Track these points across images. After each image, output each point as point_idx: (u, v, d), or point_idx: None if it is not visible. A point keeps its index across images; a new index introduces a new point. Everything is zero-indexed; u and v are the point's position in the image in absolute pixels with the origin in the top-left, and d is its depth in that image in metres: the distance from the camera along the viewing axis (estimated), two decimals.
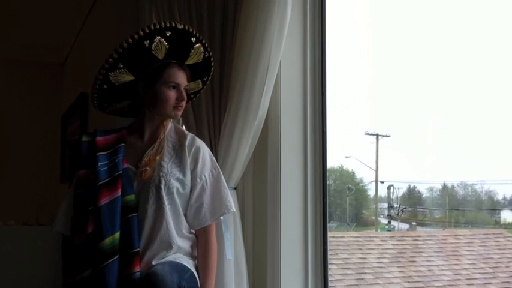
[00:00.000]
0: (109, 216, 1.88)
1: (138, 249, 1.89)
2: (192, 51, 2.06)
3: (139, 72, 2.04)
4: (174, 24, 1.99)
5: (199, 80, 2.21)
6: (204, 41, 2.09)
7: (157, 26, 1.96)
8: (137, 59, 2.00)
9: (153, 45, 1.97)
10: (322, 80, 2.51)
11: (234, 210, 2.13)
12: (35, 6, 4.72)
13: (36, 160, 5.75)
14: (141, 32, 1.94)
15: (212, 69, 2.21)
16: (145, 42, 1.96)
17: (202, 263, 2.03)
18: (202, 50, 2.10)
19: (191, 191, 2.03)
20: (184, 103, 2.05)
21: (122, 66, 2.00)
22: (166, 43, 1.98)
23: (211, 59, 2.17)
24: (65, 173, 5.43)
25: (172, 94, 2.02)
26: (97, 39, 4.46)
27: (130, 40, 1.94)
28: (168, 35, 1.98)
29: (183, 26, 2.02)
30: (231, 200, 2.08)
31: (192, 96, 2.28)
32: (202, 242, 2.05)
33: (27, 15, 4.95)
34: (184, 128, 2.36)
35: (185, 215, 2.03)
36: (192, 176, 2.03)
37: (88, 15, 4.85)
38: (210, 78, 2.25)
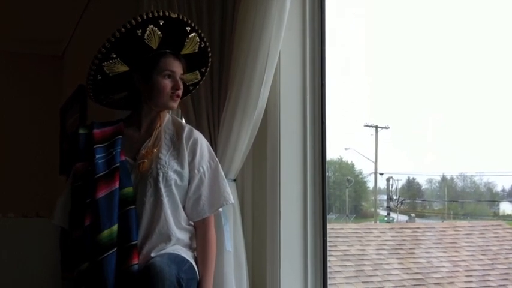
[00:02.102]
0: (107, 209, 1.88)
1: (136, 242, 1.89)
2: (187, 40, 2.05)
3: (134, 62, 2.03)
4: (167, 13, 1.97)
5: (197, 71, 2.20)
6: (200, 31, 2.08)
7: (150, 15, 1.94)
8: (130, 49, 1.99)
9: (145, 34, 1.96)
10: (322, 72, 2.50)
11: (233, 201, 2.13)
12: None
13: (36, 152, 5.75)
14: (133, 21, 1.93)
15: (210, 59, 2.19)
16: (138, 31, 1.95)
17: (201, 255, 2.03)
18: (198, 40, 2.08)
19: (189, 183, 2.03)
20: (180, 92, 2.03)
21: (115, 56, 1.99)
22: (159, 32, 1.97)
23: (208, 49, 2.15)
24: (64, 165, 5.42)
25: (167, 83, 2.01)
26: (96, 32, 4.45)
27: (123, 29, 1.93)
28: (161, 24, 1.96)
29: (177, 16, 2.00)
30: (230, 192, 2.08)
31: (191, 88, 2.26)
32: (201, 234, 2.05)
33: (25, 8, 4.93)
34: (183, 120, 2.35)
35: (184, 207, 2.03)
36: (190, 168, 2.02)
37: (86, 7, 4.83)
38: (208, 69, 2.23)
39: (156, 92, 2.01)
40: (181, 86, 2.04)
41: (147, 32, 1.95)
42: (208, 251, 2.03)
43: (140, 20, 1.93)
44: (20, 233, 4.11)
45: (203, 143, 2.08)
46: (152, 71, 2.01)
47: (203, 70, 2.21)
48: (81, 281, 1.87)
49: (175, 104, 2.04)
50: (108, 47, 1.95)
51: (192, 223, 2.06)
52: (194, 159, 2.03)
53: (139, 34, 1.95)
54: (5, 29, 5.36)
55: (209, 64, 2.21)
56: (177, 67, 2.03)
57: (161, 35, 1.98)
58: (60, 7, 4.84)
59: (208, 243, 2.04)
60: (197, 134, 2.08)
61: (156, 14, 1.95)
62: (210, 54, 2.17)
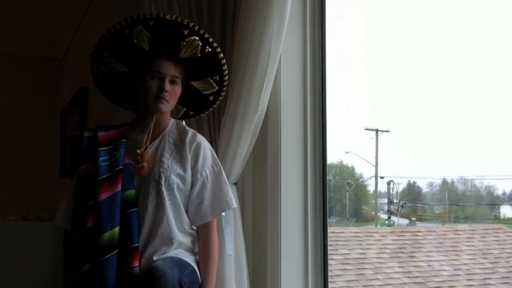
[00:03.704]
0: (109, 211, 1.88)
1: (137, 244, 1.89)
2: (184, 43, 2.01)
3: (131, 64, 2.05)
4: (161, 15, 1.97)
5: (211, 80, 2.12)
6: (205, 36, 2.02)
7: (141, 16, 1.96)
8: (123, 49, 2.01)
9: (133, 35, 1.97)
10: (322, 75, 2.50)
11: (235, 206, 2.13)
12: (33, 1, 4.70)
13: (36, 155, 5.74)
14: (123, 22, 1.96)
15: (224, 67, 2.09)
16: (125, 31, 1.97)
17: (203, 259, 2.03)
18: (200, 44, 2.03)
19: (192, 187, 2.02)
20: (166, 94, 1.98)
21: (107, 55, 2.03)
22: (147, 32, 1.97)
23: (219, 56, 2.06)
24: (64, 168, 5.42)
25: (153, 84, 1.99)
26: (96, 34, 4.45)
27: (112, 30, 1.97)
28: (150, 24, 1.96)
29: (173, 18, 1.98)
30: (232, 196, 2.07)
31: (211, 98, 2.17)
32: (203, 238, 2.05)
33: (26, 10, 4.93)
34: (184, 123, 2.35)
35: (186, 211, 2.02)
36: (192, 172, 2.02)
37: (87, 9, 4.84)
38: (225, 78, 2.12)
39: (143, 93, 2.02)
40: (175, 89, 2.02)
41: (135, 32, 1.96)
42: (210, 255, 2.03)
43: (130, 21, 1.96)
44: (21, 235, 4.11)
45: (206, 147, 2.07)
46: (143, 72, 2.01)
47: (217, 78, 2.12)
48: (82, 282, 1.87)
49: (161, 106, 1.99)
50: (100, 47, 2.01)
51: (195, 227, 2.06)
52: (197, 164, 2.02)
53: (127, 33, 1.97)
54: (5, 30, 5.37)
55: (225, 73, 2.11)
56: (168, 69, 2.00)
57: (149, 36, 1.98)
58: (61, 10, 4.85)
59: (211, 247, 2.04)
60: (200, 138, 2.07)
61: (148, 16, 1.96)
62: (223, 62, 2.08)
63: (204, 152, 2.05)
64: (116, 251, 1.86)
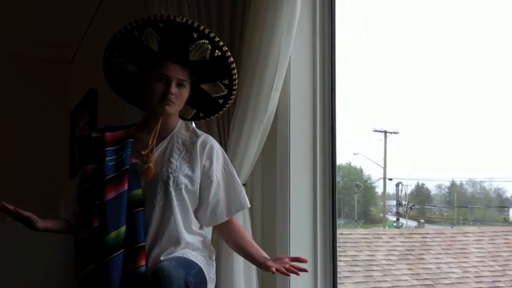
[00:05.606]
0: (114, 210, 1.88)
1: (143, 244, 1.89)
2: (193, 46, 1.99)
3: (141, 65, 2.05)
4: (172, 17, 1.96)
5: (220, 83, 2.10)
6: (216, 39, 1.99)
7: (152, 18, 1.96)
8: (133, 50, 2.02)
9: (142, 36, 1.97)
10: (332, 76, 2.50)
11: (249, 206, 2.13)
12: (42, 3, 4.73)
13: (45, 157, 5.76)
14: (134, 23, 1.96)
15: (234, 71, 2.07)
16: (135, 33, 1.97)
17: (244, 238, 2.08)
18: (209, 47, 2.01)
19: (205, 189, 2.02)
20: (172, 97, 1.97)
21: (117, 55, 2.04)
22: (156, 34, 1.97)
23: (229, 60, 2.03)
24: (74, 169, 5.44)
25: (158, 86, 1.98)
26: (105, 36, 4.47)
27: (123, 30, 1.98)
28: (160, 26, 1.96)
29: (183, 20, 1.97)
30: (245, 196, 2.08)
31: (221, 101, 2.16)
32: (229, 225, 2.08)
33: (35, 12, 4.95)
34: (193, 124, 2.35)
35: (194, 212, 2.02)
36: (206, 175, 2.01)
37: (96, 12, 4.86)
38: (234, 82, 2.10)
39: (148, 95, 2.01)
40: (182, 92, 2.01)
41: (144, 33, 1.97)
42: (242, 230, 2.10)
43: (140, 22, 1.96)
44: (28, 237, 4.12)
45: (218, 149, 2.07)
46: (150, 74, 2.01)
47: (226, 82, 2.10)
48: (87, 282, 1.87)
49: (167, 108, 1.98)
50: (110, 47, 2.03)
51: (203, 228, 2.07)
52: (211, 166, 2.02)
53: (136, 35, 1.97)
54: (14, 33, 5.40)
55: (234, 77, 2.09)
56: (174, 72, 1.98)
57: (158, 37, 1.98)
58: (70, 12, 4.88)
59: (239, 227, 2.10)
60: (212, 141, 2.07)
61: (158, 17, 1.95)
62: (233, 66, 2.06)
63: (217, 155, 2.05)
64: (122, 250, 1.86)
